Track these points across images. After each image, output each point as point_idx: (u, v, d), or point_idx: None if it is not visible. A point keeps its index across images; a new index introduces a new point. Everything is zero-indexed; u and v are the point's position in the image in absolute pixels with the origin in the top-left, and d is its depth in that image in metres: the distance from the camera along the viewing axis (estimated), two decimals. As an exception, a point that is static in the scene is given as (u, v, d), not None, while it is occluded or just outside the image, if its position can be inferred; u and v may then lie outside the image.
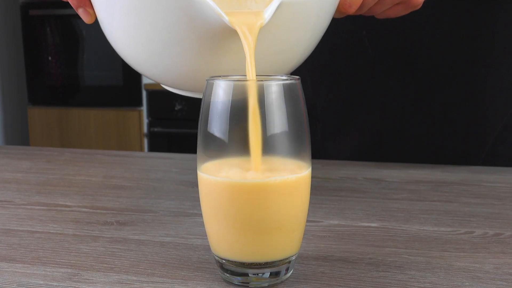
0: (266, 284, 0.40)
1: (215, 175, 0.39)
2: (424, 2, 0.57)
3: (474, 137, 0.79)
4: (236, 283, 0.40)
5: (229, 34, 0.44)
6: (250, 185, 0.38)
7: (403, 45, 0.77)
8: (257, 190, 0.38)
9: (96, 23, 0.52)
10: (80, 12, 0.51)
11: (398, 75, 0.78)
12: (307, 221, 0.52)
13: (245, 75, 0.42)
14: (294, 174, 0.38)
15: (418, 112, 0.79)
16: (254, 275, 0.40)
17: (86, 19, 0.51)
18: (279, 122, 0.38)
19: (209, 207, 0.40)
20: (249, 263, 0.39)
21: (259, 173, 0.38)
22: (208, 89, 0.39)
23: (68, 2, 0.52)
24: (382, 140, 0.81)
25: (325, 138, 0.86)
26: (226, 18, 0.42)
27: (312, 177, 0.41)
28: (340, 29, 0.78)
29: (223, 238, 0.39)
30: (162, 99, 2.56)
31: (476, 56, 0.75)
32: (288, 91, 0.38)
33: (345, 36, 0.79)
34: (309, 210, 0.43)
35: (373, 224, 0.53)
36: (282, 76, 0.41)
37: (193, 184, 0.68)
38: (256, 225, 0.38)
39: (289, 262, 0.41)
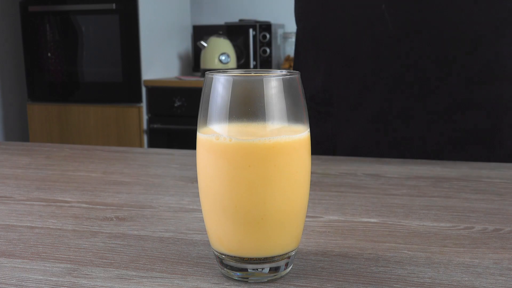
0: (266, 279, 0.40)
1: (215, 135, 0.38)
2: None
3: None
4: (236, 278, 0.40)
5: None
6: (251, 145, 0.37)
7: (424, 17, 0.74)
8: (258, 149, 0.37)
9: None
10: None
11: (419, 49, 0.76)
12: (307, 216, 0.52)
13: (245, 70, 0.42)
14: (294, 135, 0.38)
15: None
16: (254, 270, 0.40)
17: None
18: (278, 117, 0.38)
19: (207, 176, 0.39)
20: (248, 258, 0.39)
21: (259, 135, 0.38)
22: (208, 83, 0.39)
23: None
24: (395, 121, 0.80)
25: (338, 123, 0.84)
26: None
27: (312, 172, 0.41)
28: (358, 2, 0.76)
29: (223, 232, 0.39)
30: (161, 96, 2.56)
31: (501, 26, 0.73)
32: (287, 85, 0.38)
33: (363, 10, 0.77)
34: (308, 206, 0.43)
35: (372, 220, 0.53)
36: (281, 71, 0.41)
37: (193, 179, 0.68)
38: (256, 197, 0.37)
39: (289, 257, 0.41)
